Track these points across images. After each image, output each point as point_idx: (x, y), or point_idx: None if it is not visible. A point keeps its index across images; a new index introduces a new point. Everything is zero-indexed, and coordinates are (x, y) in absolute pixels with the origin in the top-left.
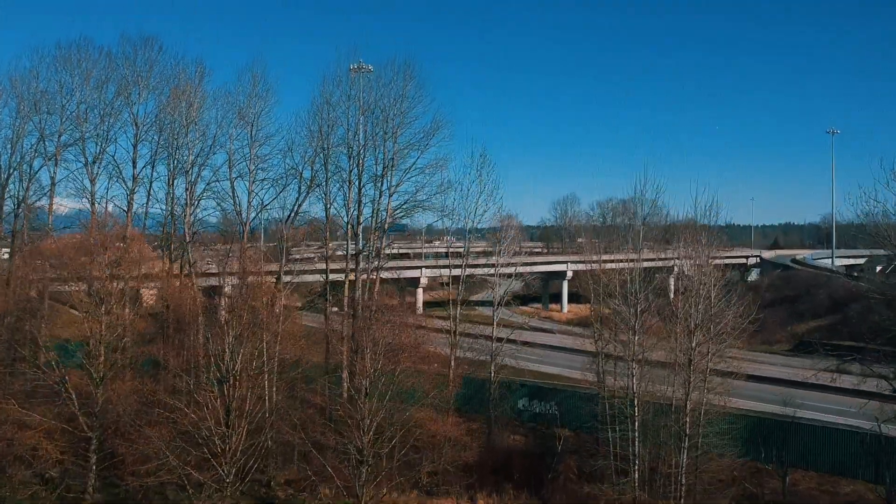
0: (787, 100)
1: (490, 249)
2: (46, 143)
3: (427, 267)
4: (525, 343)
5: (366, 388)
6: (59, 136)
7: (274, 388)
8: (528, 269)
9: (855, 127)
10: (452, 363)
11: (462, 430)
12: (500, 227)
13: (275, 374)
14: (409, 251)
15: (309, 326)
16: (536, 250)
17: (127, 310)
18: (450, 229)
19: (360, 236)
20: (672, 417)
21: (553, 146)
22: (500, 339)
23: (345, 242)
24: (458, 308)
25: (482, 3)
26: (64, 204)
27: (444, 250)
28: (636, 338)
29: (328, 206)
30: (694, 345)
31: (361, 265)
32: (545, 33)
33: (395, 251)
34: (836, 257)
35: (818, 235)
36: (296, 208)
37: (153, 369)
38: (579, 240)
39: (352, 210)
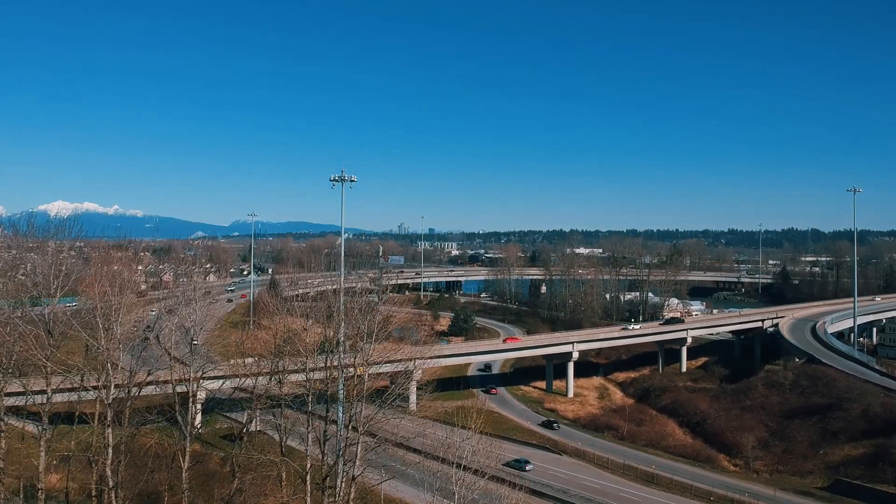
0: (788, 102)
1: (492, 277)
2: None
3: (424, 358)
4: (532, 492)
5: None
6: None
7: None
8: (533, 352)
9: (854, 128)
10: None
11: None
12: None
13: None
14: (409, 281)
15: None
16: (537, 277)
17: None
18: (454, 234)
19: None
20: None
21: (553, 146)
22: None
23: None
24: None
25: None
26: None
27: (443, 279)
28: None
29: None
30: None
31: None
32: (545, 35)
33: (394, 282)
34: (859, 315)
35: (824, 242)
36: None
37: None
38: (581, 271)
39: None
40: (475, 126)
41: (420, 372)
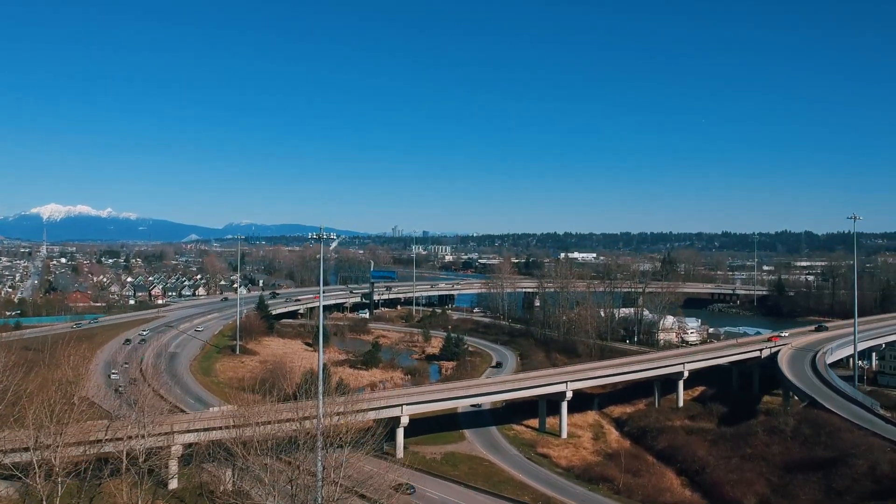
0: (782, 104)
1: (485, 291)
2: None
3: (410, 405)
4: None
5: None
6: None
7: None
8: (525, 393)
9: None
10: None
11: None
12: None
13: None
14: (400, 296)
15: None
16: (531, 290)
17: None
18: (447, 237)
19: None
20: None
21: (548, 149)
22: None
23: None
24: None
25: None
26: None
27: (436, 293)
28: None
29: None
30: None
31: None
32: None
33: (385, 297)
34: (860, 341)
35: (818, 247)
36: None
37: None
38: (576, 284)
39: None
40: (470, 128)
41: (407, 418)
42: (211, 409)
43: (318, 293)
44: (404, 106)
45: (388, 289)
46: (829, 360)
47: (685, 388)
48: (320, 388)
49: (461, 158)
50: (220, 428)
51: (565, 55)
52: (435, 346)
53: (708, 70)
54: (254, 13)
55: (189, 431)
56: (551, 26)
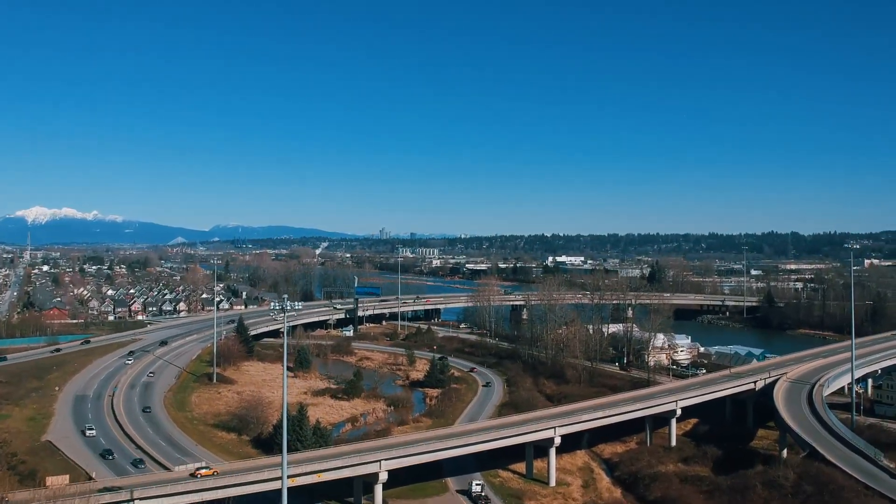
0: (771, 106)
1: (472, 305)
2: None
3: (388, 459)
4: None
5: None
6: None
7: None
8: (512, 441)
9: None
10: None
11: None
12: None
13: None
14: (385, 311)
15: None
16: (518, 303)
17: None
18: (435, 239)
19: None
20: None
21: (537, 150)
22: None
23: None
24: None
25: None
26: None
27: (421, 307)
28: None
29: None
30: None
31: None
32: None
33: (370, 312)
34: (857, 367)
35: (804, 247)
36: None
37: None
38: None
39: None
40: (459, 130)
41: (386, 474)
42: (176, 467)
43: (303, 310)
44: (394, 108)
45: (373, 306)
46: (827, 392)
47: (678, 422)
48: (283, 449)
49: (449, 160)
50: (186, 493)
51: (556, 56)
52: (420, 369)
53: (696, 71)
54: (243, 15)
55: (150, 498)
56: (544, 26)
